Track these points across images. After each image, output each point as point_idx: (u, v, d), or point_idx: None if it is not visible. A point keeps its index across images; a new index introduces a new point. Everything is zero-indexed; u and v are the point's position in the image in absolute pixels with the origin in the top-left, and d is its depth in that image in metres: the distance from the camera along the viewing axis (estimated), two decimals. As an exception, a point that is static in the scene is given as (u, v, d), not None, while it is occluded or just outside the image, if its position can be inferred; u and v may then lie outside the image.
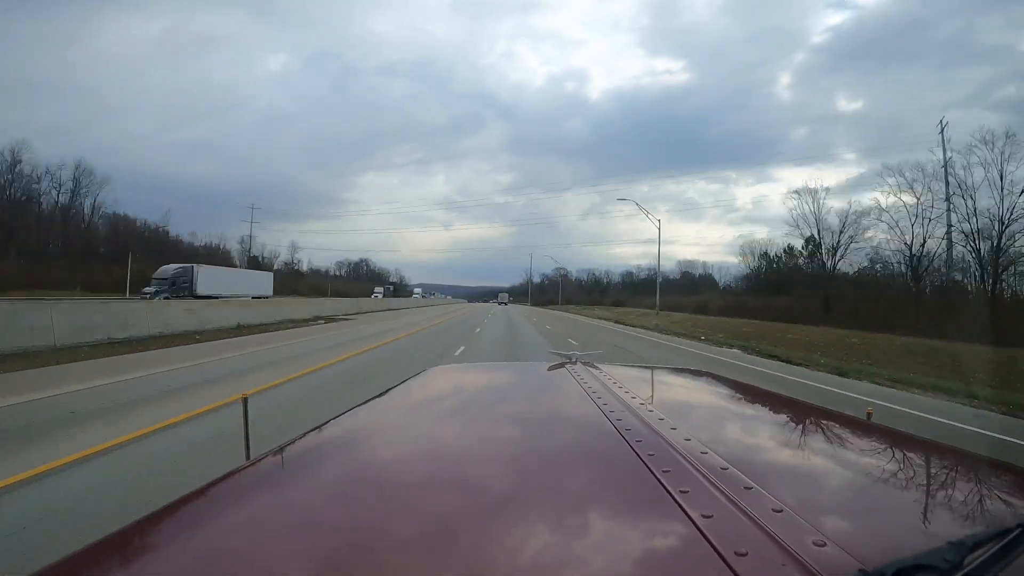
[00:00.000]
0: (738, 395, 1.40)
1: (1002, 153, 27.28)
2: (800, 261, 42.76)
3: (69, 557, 0.56)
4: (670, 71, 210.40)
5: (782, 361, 13.24)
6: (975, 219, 28.08)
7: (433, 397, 1.36)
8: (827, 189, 40.69)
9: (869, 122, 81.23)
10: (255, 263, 71.62)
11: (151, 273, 33.67)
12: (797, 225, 40.36)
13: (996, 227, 26.65)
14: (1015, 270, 26.54)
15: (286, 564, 0.54)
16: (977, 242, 28.06)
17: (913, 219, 31.87)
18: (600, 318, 40.68)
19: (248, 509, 0.68)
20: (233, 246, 70.61)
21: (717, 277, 71.50)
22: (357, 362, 9.37)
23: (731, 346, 16.97)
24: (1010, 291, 27.27)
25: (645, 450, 0.75)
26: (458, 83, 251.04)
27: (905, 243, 32.38)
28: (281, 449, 0.87)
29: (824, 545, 0.50)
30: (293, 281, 73.01)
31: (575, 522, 0.60)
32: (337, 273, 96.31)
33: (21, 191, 44.89)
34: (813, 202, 40.41)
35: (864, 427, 1.08)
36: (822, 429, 1.09)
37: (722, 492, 0.61)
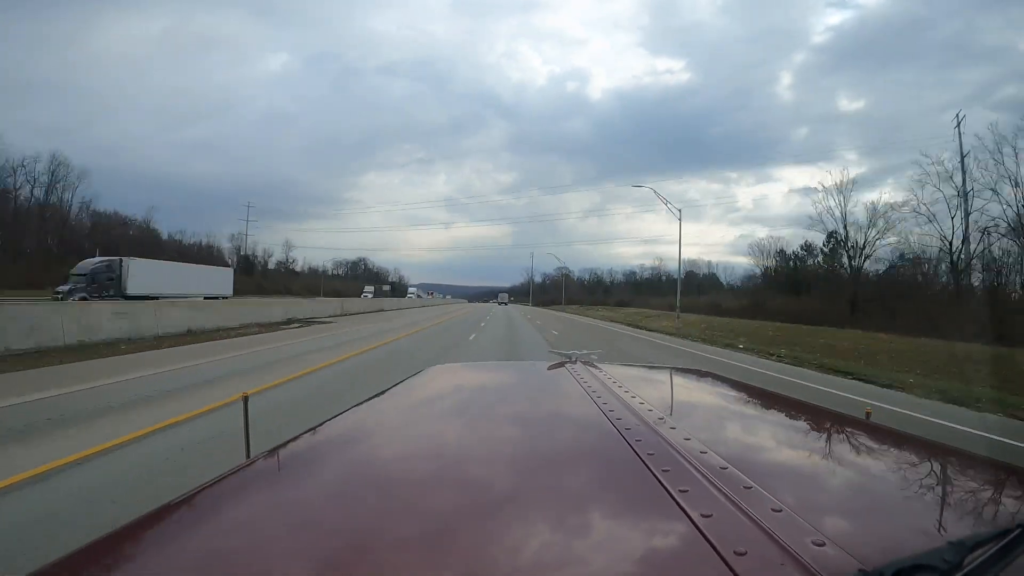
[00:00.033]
0: (738, 395, 1.39)
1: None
2: (820, 259, 39.41)
3: (69, 557, 0.57)
4: (671, 71, 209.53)
5: (861, 380, 10.67)
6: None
7: (433, 396, 1.37)
8: (854, 181, 37.08)
9: (870, 122, 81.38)
10: (247, 262, 68.52)
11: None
12: (821, 220, 37.12)
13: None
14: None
15: (286, 563, 0.55)
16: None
17: (953, 212, 28.58)
18: (609, 320, 37.78)
19: (248, 508, 0.69)
20: (224, 244, 67.04)
21: (721, 277, 71.08)
22: (314, 381, 7.74)
23: (779, 357, 14.55)
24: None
25: (645, 449, 0.76)
26: (459, 83, 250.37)
27: (943, 238, 29.46)
28: (281, 448, 0.87)
29: (823, 545, 0.50)
30: (287, 280, 70.14)
31: (574, 521, 0.61)
32: (335, 272, 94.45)
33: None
34: (839, 195, 36.89)
35: (864, 427, 1.09)
36: (822, 429, 1.10)
37: (721, 492, 0.61)
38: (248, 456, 0.96)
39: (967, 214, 28.84)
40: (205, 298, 26.21)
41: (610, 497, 0.68)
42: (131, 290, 26.44)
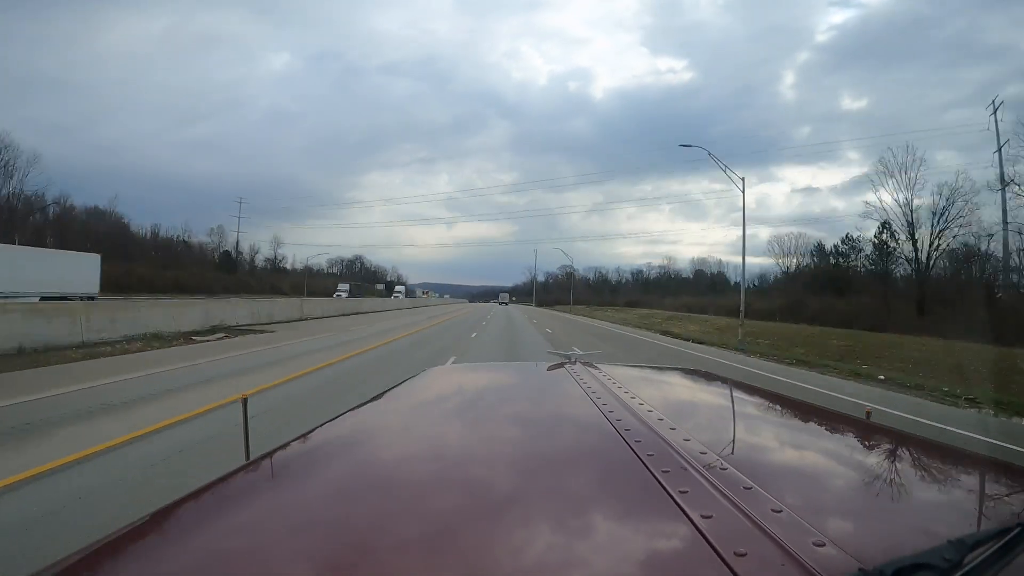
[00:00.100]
0: (738, 395, 1.40)
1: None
2: (870, 254, 33.49)
3: (69, 557, 0.58)
4: (673, 70, 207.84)
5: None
6: None
7: (432, 397, 1.39)
8: (923, 160, 30.95)
9: (873, 121, 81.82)
10: (229, 259, 62.78)
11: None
12: (881, 206, 30.90)
13: None
14: None
15: (285, 564, 0.56)
16: None
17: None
18: (623, 323, 31.58)
19: (247, 509, 0.71)
20: (202, 239, 61.78)
21: (731, 276, 69.13)
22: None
23: (927, 390, 10.25)
24: None
25: (644, 450, 0.77)
26: (461, 82, 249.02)
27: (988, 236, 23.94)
28: (280, 450, 0.90)
29: (823, 545, 0.52)
30: (275, 279, 64.69)
31: (574, 522, 0.63)
32: (331, 271, 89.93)
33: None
34: (904, 176, 30.70)
35: (864, 427, 1.11)
36: (821, 429, 1.13)
37: (721, 492, 0.63)
38: (248, 458, 0.97)
39: (1005, 206, 26.14)
40: (42, 299, 18.25)
41: (610, 498, 0.70)
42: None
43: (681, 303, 52.49)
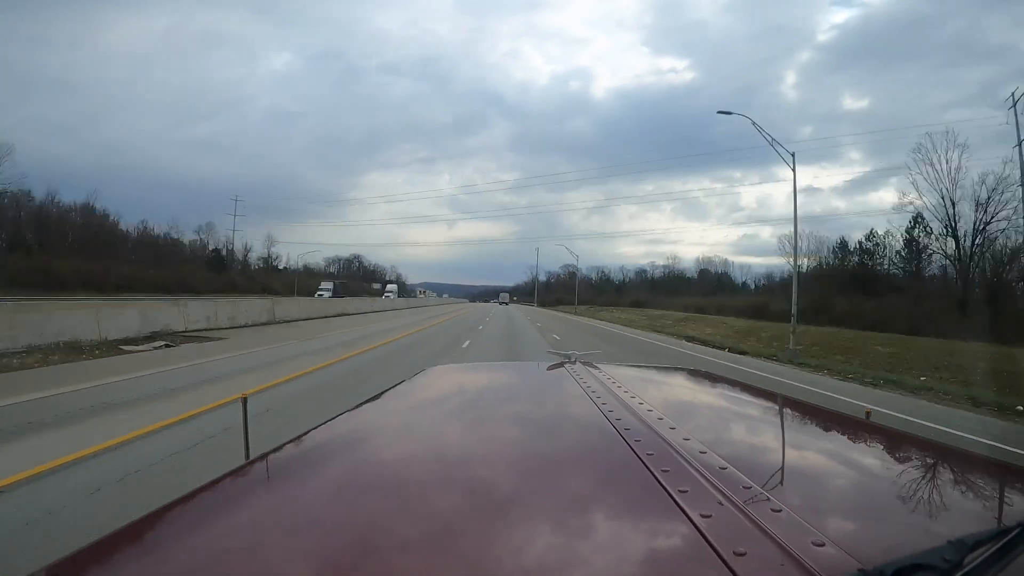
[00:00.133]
0: (737, 395, 1.41)
1: None
2: (901, 250, 30.66)
3: (69, 557, 0.59)
4: (675, 70, 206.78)
5: None
6: None
7: (432, 397, 1.40)
8: (964, 145, 27.98)
9: (874, 120, 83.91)
10: (219, 257, 60.11)
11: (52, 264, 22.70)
12: (919, 199, 27.69)
13: None
14: None
15: (285, 564, 0.57)
16: None
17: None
18: (638, 327, 28.37)
19: (247, 509, 0.71)
20: (189, 237, 59.33)
21: (738, 276, 69.22)
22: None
23: None
24: None
25: (644, 450, 0.78)
26: (462, 82, 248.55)
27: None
28: (280, 449, 0.90)
29: (823, 545, 0.53)
30: (268, 278, 62.32)
31: (574, 522, 0.64)
32: (328, 270, 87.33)
33: None
34: (946, 161, 27.65)
35: (863, 427, 1.12)
36: (821, 429, 1.13)
37: (721, 492, 0.64)
38: (247, 458, 0.98)
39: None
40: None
41: (610, 498, 0.71)
42: None
43: (689, 303, 49.88)
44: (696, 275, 74.33)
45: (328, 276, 76.63)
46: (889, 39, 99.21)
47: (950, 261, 29.79)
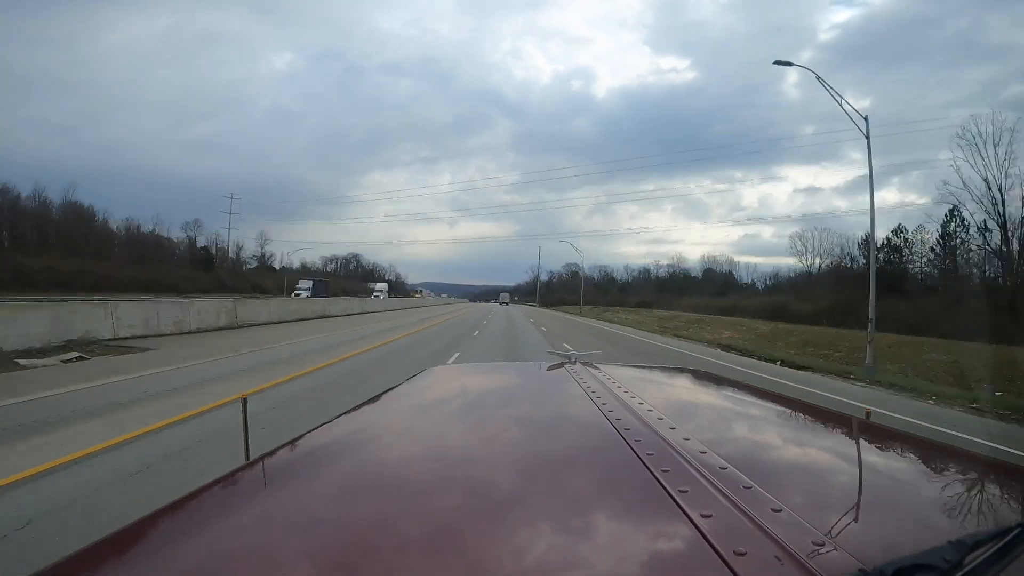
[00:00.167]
0: (737, 395, 1.41)
1: None
2: (935, 247, 28.03)
3: (69, 557, 0.60)
4: (676, 69, 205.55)
5: None
6: None
7: (432, 397, 1.40)
8: (1012, 130, 25.22)
9: (876, 120, 75.19)
10: (207, 255, 57.66)
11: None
12: (963, 189, 24.79)
13: None
14: None
15: (285, 564, 0.58)
16: None
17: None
18: (650, 329, 25.58)
19: (247, 509, 0.72)
20: (177, 234, 57.05)
21: (743, 276, 68.25)
22: None
23: None
24: None
25: (644, 450, 0.79)
26: (463, 81, 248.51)
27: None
28: (280, 450, 0.91)
29: (823, 545, 0.54)
30: (259, 277, 60.08)
31: (574, 522, 0.65)
32: (326, 269, 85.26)
33: None
34: (994, 146, 24.84)
35: (863, 427, 1.11)
36: (821, 429, 1.13)
37: (721, 492, 0.65)
38: (247, 458, 0.99)
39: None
40: None
41: (610, 498, 0.71)
42: None
43: (698, 304, 47.30)
44: (700, 275, 73.95)
45: (324, 275, 74.16)
46: (890, 38, 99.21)
47: (996, 256, 27.25)
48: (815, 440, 1.07)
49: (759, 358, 15.81)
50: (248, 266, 72.33)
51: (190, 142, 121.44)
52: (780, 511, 0.58)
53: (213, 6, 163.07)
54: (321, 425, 1.04)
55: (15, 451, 4.21)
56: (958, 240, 27.74)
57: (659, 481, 0.67)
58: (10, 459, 4.02)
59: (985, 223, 25.79)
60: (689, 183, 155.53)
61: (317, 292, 47.06)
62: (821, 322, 27.62)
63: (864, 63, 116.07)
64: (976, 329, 19.37)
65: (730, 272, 72.08)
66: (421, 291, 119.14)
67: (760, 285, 57.59)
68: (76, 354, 10.24)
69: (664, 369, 1.85)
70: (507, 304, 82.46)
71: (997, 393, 10.14)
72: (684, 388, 1.50)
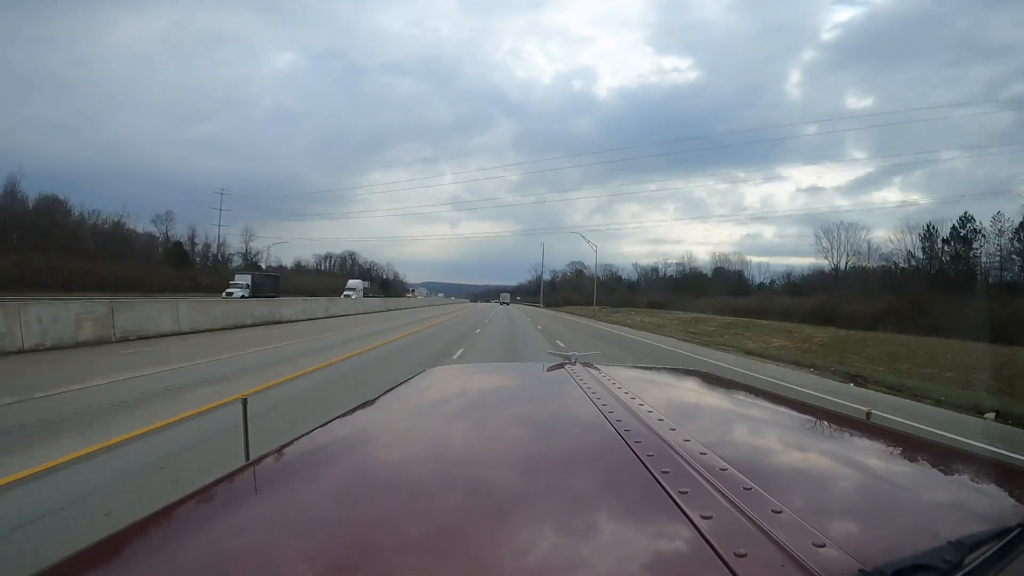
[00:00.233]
0: (737, 396, 1.41)
1: None
2: (1012, 239, 22.98)
3: (69, 557, 0.62)
4: (678, 69, 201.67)
5: None
6: None
7: (432, 398, 1.40)
8: None
9: (878, 119, 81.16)
10: (180, 251, 52.93)
11: None
12: None
13: None
14: None
15: (285, 565, 0.60)
16: None
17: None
18: (679, 337, 20.58)
19: (247, 510, 0.74)
20: (147, 228, 52.61)
21: (753, 276, 66.40)
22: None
23: None
24: None
25: (644, 451, 0.80)
26: (465, 81, 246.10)
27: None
28: (280, 450, 0.93)
29: (824, 546, 0.55)
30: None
31: (574, 523, 0.67)
32: (322, 268, 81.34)
33: None
34: None
35: (863, 427, 1.12)
36: (821, 429, 1.13)
37: (721, 493, 0.66)
38: (247, 459, 1.01)
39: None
40: None
41: (610, 499, 0.73)
42: None
43: (718, 305, 42.13)
44: (711, 274, 72.27)
45: (326, 275, 69.38)
46: (893, 38, 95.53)
47: None
48: (815, 441, 1.07)
49: (936, 402, 8.65)
50: (233, 264, 68.49)
51: (191, 142, 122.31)
52: (780, 512, 0.59)
53: (214, 6, 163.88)
54: (321, 426, 1.05)
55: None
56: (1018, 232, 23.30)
57: (659, 482, 0.69)
58: None
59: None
60: (691, 182, 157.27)
61: (260, 290, 38.67)
62: (879, 327, 22.91)
63: (866, 62, 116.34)
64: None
65: (740, 271, 70.94)
66: (414, 291, 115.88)
67: (782, 284, 53.98)
68: None
69: (664, 370, 1.85)
70: (507, 304, 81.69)
71: None
72: (684, 389, 1.50)
